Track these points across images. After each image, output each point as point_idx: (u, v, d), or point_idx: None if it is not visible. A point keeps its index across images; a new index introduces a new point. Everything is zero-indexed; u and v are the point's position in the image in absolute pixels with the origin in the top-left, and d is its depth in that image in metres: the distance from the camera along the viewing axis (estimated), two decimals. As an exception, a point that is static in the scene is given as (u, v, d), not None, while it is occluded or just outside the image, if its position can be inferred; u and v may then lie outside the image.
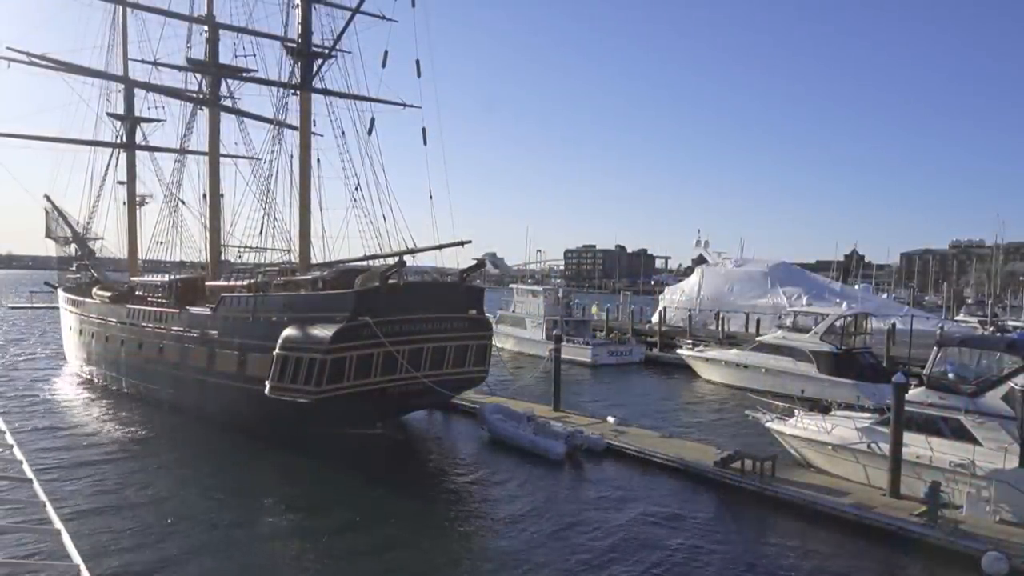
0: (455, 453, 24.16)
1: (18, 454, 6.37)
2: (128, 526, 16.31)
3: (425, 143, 29.12)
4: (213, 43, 31.84)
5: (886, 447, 18.44)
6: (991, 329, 48.31)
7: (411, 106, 30.43)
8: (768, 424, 22.64)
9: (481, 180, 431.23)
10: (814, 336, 35.06)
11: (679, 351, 44.04)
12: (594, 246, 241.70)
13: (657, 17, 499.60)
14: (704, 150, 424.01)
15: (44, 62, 33.38)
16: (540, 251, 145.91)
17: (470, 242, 28.24)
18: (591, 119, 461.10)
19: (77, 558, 4.64)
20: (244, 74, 32.02)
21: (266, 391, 22.63)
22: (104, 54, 37.47)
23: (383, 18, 29.51)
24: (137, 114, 38.91)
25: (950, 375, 19.02)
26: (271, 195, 28.44)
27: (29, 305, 71.90)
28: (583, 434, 23.62)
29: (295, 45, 27.93)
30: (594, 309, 60.21)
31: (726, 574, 14.81)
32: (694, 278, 64.62)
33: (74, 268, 42.94)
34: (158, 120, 38.75)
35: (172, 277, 32.56)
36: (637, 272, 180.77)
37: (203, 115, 33.37)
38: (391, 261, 24.60)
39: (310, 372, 21.68)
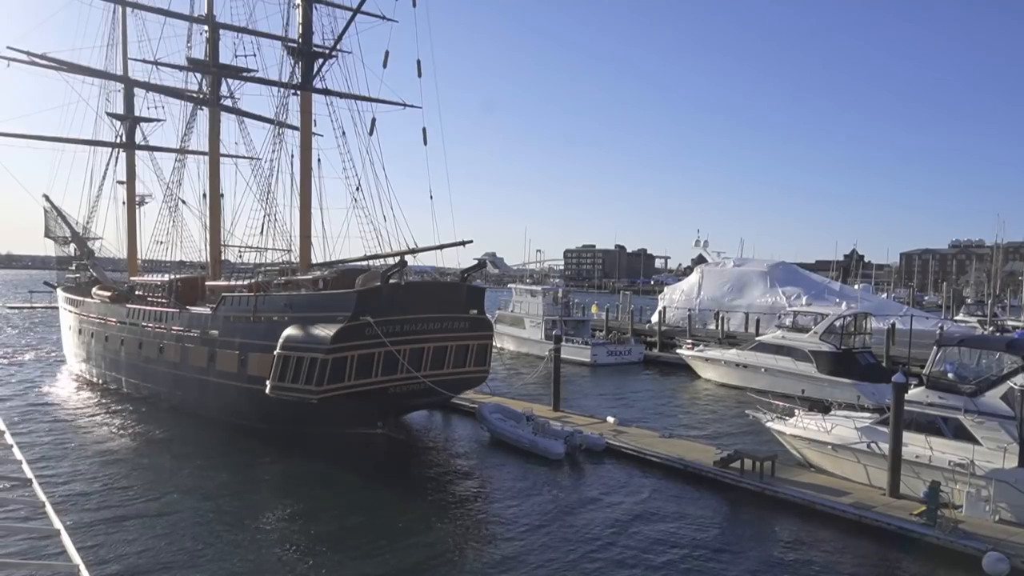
0: (455, 453, 24.17)
1: (18, 454, 6.36)
2: (128, 526, 16.33)
3: (425, 143, 29.18)
4: (213, 43, 31.84)
5: (886, 447, 18.45)
6: (991, 329, 48.34)
7: (411, 106, 30.44)
8: (768, 424, 22.65)
9: (481, 180, 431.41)
10: (814, 336, 35.05)
11: (679, 351, 44.05)
12: (594, 246, 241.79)
13: (657, 17, 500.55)
14: (704, 150, 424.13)
15: (44, 61, 33.41)
16: (540, 251, 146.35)
17: (471, 242, 28.27)
18: (590, 119, 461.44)
19: (77, 558, 4.63)
20: (244, 74, 32.02)
21: (267, 391, 22.66)
22: (104, 54, 37.58)
23: (384, 18, 29.50)
24: (137, 114, 38.93)
25: (950, 375, 19.02)
26: (271, 195, 28.48)
27: (28, 305, 71.90)
28: (583, 434, 23.62)
29: (296, 45, 27.93)
30: (594, 309, 60.21)
31: (726, 574, 14.82)
32: (694, 278, 64.60)
33: (73, 268, 42.93)
34: (158, 120, 38.84)
35: (172, 277, 32.59)
36: (637, 272, 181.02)
37: (203, 115, 33.43)
38: (392, 261, 24.63)
39: (311, 372, 21.68)
